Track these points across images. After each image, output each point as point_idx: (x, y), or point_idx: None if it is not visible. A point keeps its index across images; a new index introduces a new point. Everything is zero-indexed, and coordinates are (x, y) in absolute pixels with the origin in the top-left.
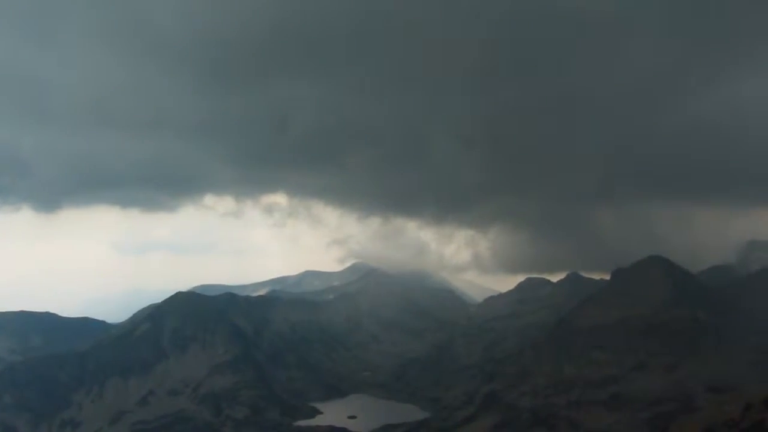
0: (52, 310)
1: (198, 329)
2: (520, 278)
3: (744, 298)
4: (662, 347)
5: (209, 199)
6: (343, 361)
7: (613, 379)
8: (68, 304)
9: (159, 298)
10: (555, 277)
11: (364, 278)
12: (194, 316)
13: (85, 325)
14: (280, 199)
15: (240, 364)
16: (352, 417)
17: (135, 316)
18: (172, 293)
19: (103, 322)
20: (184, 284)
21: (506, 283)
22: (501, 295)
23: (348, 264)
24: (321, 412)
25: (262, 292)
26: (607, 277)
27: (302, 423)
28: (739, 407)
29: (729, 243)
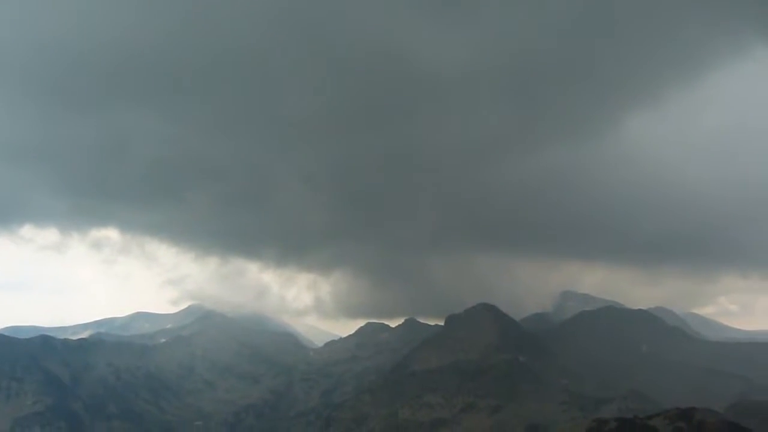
0: None
1: (2, 376)
2: (360, 323)
3: (558, 344)
4: (488, 389)
5: (28, 230)
6: (172, 410)
7: (443, 422)
8: None
9: None
10: (393, 322)
11: (199, 321)
12: None
13: None
14: (111, 233)
15: (52, 415)
16: None
17: None
18: None
19: None
20: None
21: (347, 327)
22: (341, 340)
23: (183, 306)
24: None
25: (84, 334)
26: (442, 322)
27: None
28: None
29: (546, 293)
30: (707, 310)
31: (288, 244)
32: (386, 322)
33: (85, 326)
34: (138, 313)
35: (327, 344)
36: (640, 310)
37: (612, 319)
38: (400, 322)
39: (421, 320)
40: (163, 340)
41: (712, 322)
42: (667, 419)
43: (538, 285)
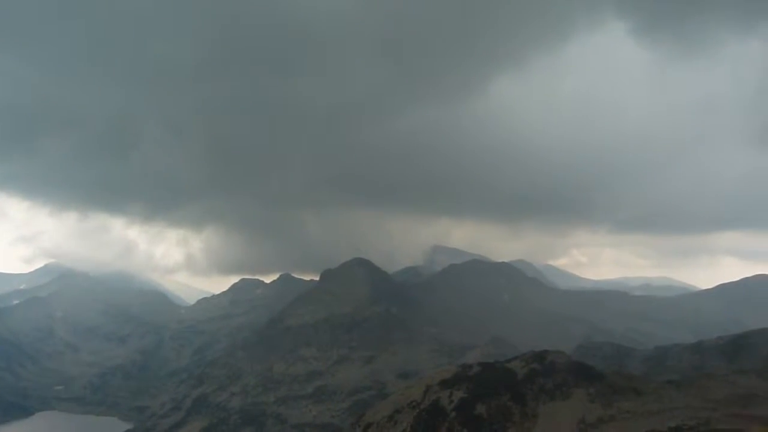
0: None
1: None
2: (234, 279)
3: (428, 295)
4: (362, 341)
5: None
6: (29, 376)
7: (318, 374)
8: None
9: None
10: (268, 278)
11: (58, 280)
12: None
13: None
14: None
15: None
16: None
17: None
18: None
19: None
20: None
21: (220, 284)
22: (214, 297)
23: (38, 264)
24: None
25: None
26: (317, 277)
27: None
28: (420, 389)
29: (418, 247)
30: (561, 262)
31: (155, 198)
32: (261, 278)
33: None
34: None
35: (199, 301)
36: (503, 262)
37: (478, 271)
38: (275, 278)
39: (296, 275)
40: (16, 301)
41: (565, 273)
42: (524, 362)
43: (411, 240)
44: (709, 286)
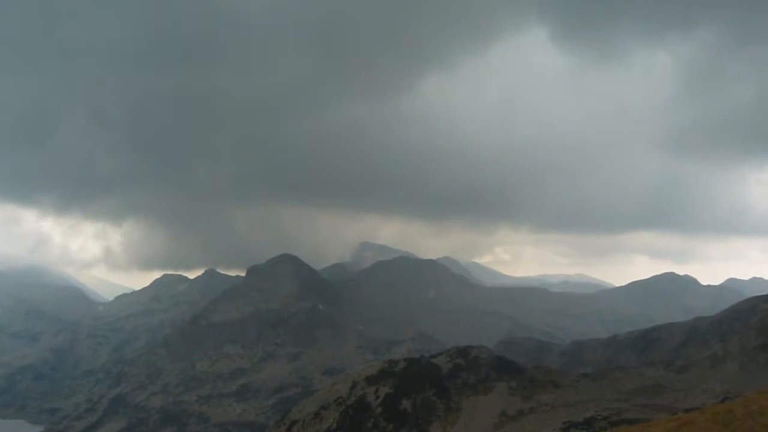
0: None
1: None
2: (156, 275)
3: (355, 292)
4: (288, 338)
5: None
6: None
7: (242, 372)
8: None
9: None
10: (192, 274)
11: None
12: None
13: None
14: None
15: None
16: None
17: None
18: None
19: None
20: None
21: (141, 280)
22: (134, 293)
23: None
24: None
25: None
26: (243, 273)
27: None
28: (347, 386)
29: (346, 244)
30: (485, 259)
31: (71, 189)
32: (184, 274)
33: None
34: None
35: (118, 297)
36: (429, 260)
37: (405, 268)
38: (200, 274)
39: (222, 271)
40: None
41: (489, 270)
42: (448, 357)
43: (339, 236)
44: (623, 284)
